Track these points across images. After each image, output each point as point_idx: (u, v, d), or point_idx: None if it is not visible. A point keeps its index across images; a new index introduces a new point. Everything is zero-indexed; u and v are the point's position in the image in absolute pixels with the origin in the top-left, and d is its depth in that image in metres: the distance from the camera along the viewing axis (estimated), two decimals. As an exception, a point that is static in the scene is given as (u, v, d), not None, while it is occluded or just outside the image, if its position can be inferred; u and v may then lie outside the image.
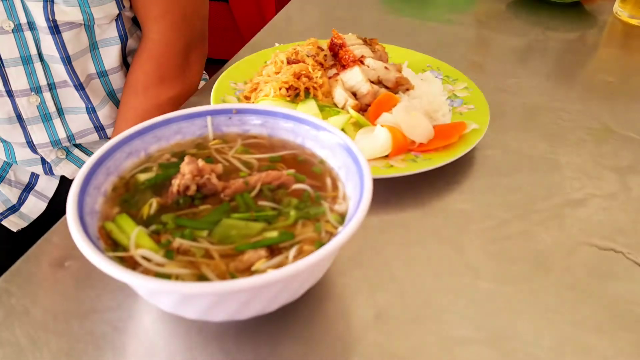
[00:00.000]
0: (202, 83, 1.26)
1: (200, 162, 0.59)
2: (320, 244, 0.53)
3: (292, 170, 0.62)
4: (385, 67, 0.84)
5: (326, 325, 0.57)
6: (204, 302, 0.48)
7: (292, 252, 0.52)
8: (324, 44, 0.93)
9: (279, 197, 0.59)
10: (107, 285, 0.60)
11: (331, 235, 0.54)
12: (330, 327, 0.57)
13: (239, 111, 0.68)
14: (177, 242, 0.52)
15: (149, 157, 0.64)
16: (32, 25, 0.93)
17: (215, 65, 1.18)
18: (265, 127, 0.69)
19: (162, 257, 0.50)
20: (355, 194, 0.56)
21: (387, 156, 0.77)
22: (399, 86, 0.83)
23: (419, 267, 0.64)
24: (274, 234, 0.54)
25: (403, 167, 0.74)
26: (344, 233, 0.48)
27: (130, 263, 0.50)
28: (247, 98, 0.88)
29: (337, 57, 0.88)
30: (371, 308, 0.59)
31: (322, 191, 0.60)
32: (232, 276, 0.49)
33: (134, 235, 0.52)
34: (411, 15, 1.41)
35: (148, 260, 0.50)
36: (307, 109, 0.80)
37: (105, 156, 0.59)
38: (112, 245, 0.52)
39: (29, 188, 1.16)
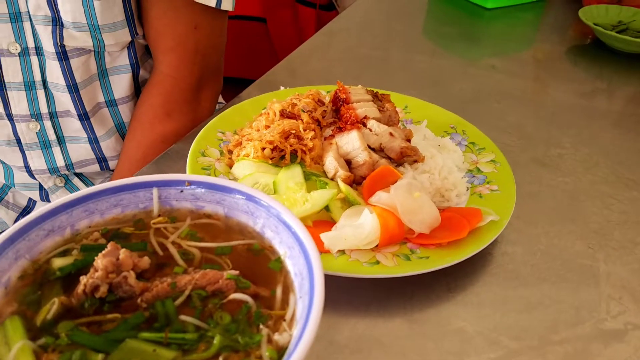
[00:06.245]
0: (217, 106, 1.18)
1: (122, 254, 0.48)
2: (239, 395, 0.40)
3: (234, 272, 0.50)
4: (390, 134, 0.70)
5: None
6: None
7: (198, 406, 0.39)
8: (331, 91, 0.80)
9: (210, 310, 0.47)
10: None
11: (259, 380, 0.42)
12: None
13: (192, 183, 0.57)
14: (59, 369, 0.41)
15: (74, 236, 0.54)
16: (39, 51, 0.90)
17: (241, 86, 1.09)
18: (222, 206, 0.57)
19: (33, 392, 0.40)
20: (300, 324, 0.43)
21: (377, 245, 0.63)
22: (404, 157, 0.69)
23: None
24: (184, 370, 0.42)
25: (391, 267, 0.60)
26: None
27: (-4, 394, 0.40)
28: (232, 152, 0.77)
29: (339, 114, 0.75)
30: None
31: (267, 306, 0.48)
32: None
33: (13, 353, 0.42)
34: (448, 56, 1.25)
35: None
36: (290, 176, 0.67)
37: (15, 236, 0.49)
38: (-13, 361, 0.42)
39: (25, 212, 1.14)
